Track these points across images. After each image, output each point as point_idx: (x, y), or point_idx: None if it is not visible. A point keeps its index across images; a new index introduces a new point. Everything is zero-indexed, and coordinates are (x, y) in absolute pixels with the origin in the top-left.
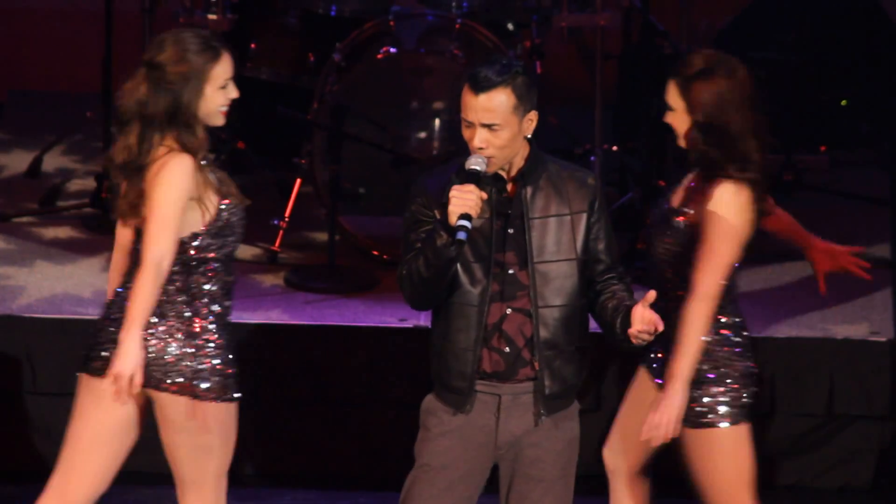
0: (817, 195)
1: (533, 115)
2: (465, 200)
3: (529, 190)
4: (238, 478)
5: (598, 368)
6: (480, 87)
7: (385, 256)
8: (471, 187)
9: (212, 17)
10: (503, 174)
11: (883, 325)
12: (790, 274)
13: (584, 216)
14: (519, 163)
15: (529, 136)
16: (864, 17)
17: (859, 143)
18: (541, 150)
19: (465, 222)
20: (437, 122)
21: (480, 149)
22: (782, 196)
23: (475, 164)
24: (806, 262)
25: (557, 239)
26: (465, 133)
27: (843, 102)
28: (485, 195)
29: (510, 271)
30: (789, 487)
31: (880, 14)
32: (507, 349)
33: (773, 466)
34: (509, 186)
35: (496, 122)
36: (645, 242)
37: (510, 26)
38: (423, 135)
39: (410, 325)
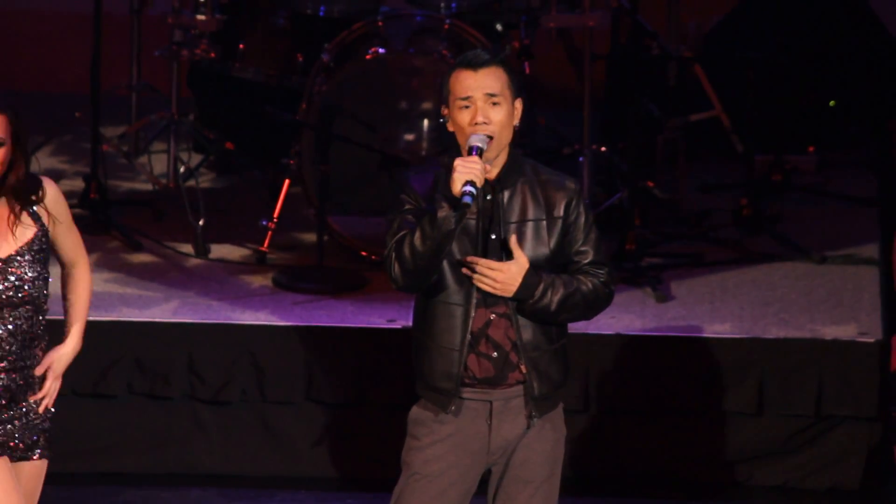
0: (806, 196)
1: (519, 104)
2: (469, 168)
3: (506, 195)
4: (227, 479)
5: (585, 369)
6: (478, 63)
7: (374, 257)
8: (474, 158)
9: (200, 17)
10: (488, 176)
11: (871, 326)
12: (779, 274)
13: (560, 221)
14: (499, 165)
15: (517, 124)
16: (852, 17)
17: (847, 144)
18: (529, 150)
19: (470, 188)
20: (426, 122)
21: (484, 124)
22: (771, 197)
23: (477, 140)
24: (795, 263)
25: (533, 242)
26: (463, 115)
27: (832, 103)
28: (488, 167)
29: None
30: (778, 488)
31: (869, 14)
32: (495, 354)
33: (761, 467)
34: (492, 191)
35: (497, 94)
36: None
37: (499, 27)
38: (411, 136)
39: (399, 326)
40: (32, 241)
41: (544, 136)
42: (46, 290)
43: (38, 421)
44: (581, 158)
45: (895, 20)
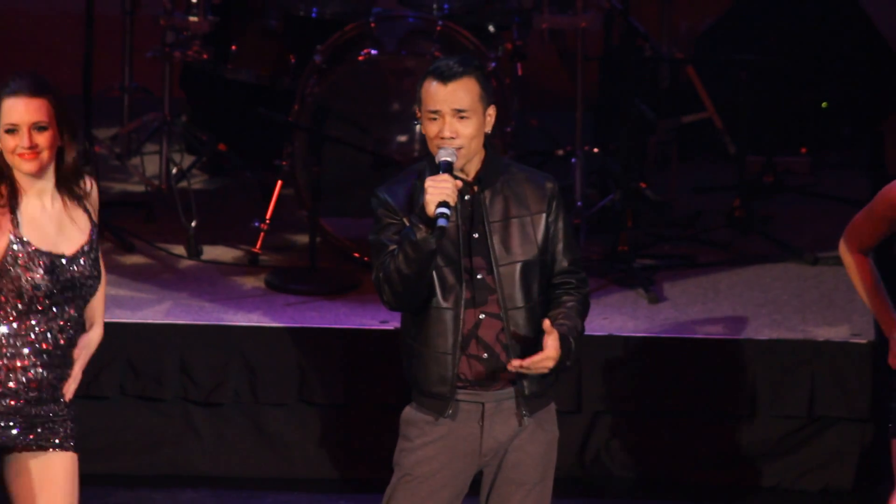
0: (798, 197)
1: (492, 111)
2: (441, 189)
3: (488, 194)
4: (219, 481)
5: (577, 370)
6: (448, 76)
7: (366, 258)
8: (445, 176)
9: (193, 18)
10: (464, 177)
11: (864, 327)
12: (771, 275)
13: (543, 216)
14: (477, 166)
15: (489, 131)
16: (844, 19)
17: (840, 145)
18: (521, 151)
19: (444, 209)
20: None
21: (451, 139)
22: (763, 198)
23: (446, 155)
24: (787, 264)
25: (520, 240)
26: (431, 127)
27: (824, 105)
28: (459, 183)
29: (479, 276)
30: (770, 489)
31: (861, 16)
32: (486, 355)
33: (753, 468)
34: (471, 190)
35: (466, 109)
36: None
37: (491, 28)
38: (403, 137)
39: (391, 327)
40: (91, 240)
41: (537, 137)
42: (96, 290)
43: (63, 414)
44: (573, 160)
45: (887, 21)
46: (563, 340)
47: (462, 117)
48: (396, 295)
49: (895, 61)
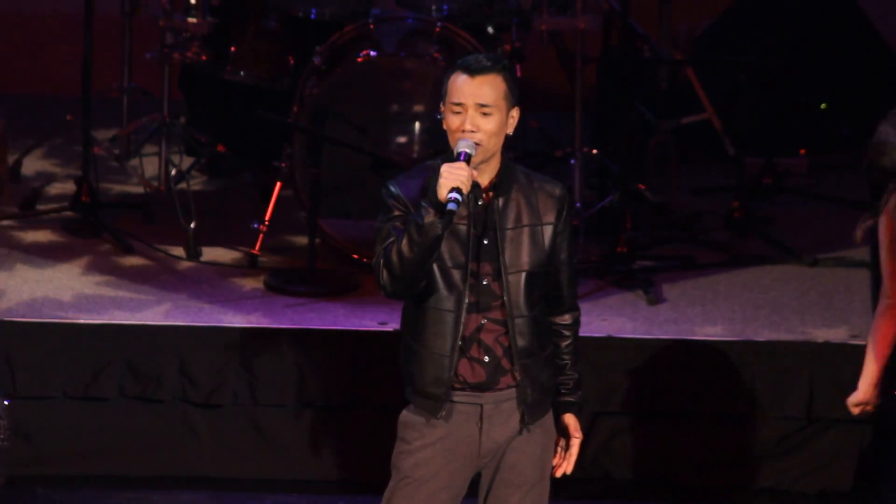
0: (797, 199)
1: (515, 112)
2: (456, 175)
3: (501, 201)
4: (218, 482)
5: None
6: (476, 70)
7: (365, 260)
8: (462, 164)
9: (192, 20)
10: (478, 181)
11: (862, 328)
12: (770, 276)
13: (552, 227)
14: (492, 172)
15: (510, 133)
16: (844, 19)
17: (839, 147)
18: (518, 153)
19: (455, 195)
20: (417, 125)
21: (472, 132)
22: (762, 199)
23: (465, 146)
24: (786, 266)
25: (529, 249)
26: (454, 120)
27: (823, 106)
28: (475, 173)
29: (484, 282)
30: (768, 491)
31: (860, 17)
32: (487, 358)
33: (752, 470)
34: (484, 196)
35: (490, 104)
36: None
37: (490, 29)
38: (403, 138)
39: (390, 329)
40: None
41: (536, 138)
42: None
43: None
44: (572, 161)
45: (885, 22)
46: (578, 410)
47: (485, 113)
48: (393, 278)
49: (895, 62)
